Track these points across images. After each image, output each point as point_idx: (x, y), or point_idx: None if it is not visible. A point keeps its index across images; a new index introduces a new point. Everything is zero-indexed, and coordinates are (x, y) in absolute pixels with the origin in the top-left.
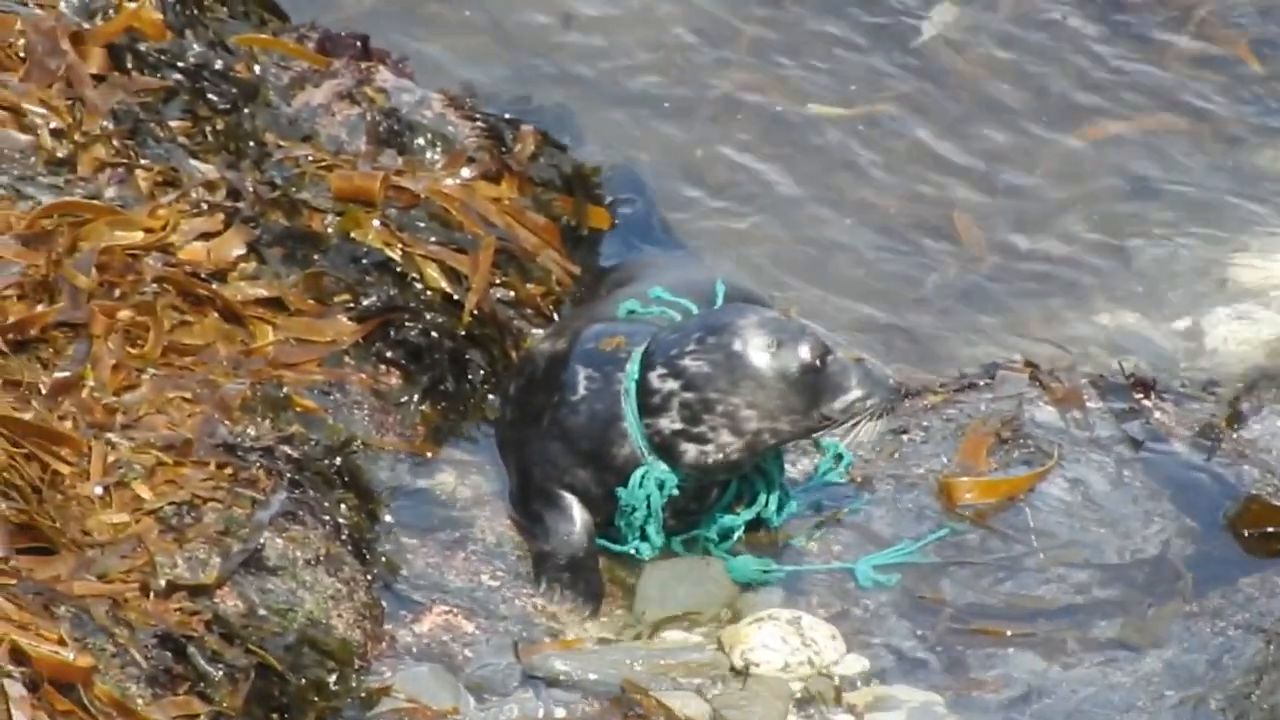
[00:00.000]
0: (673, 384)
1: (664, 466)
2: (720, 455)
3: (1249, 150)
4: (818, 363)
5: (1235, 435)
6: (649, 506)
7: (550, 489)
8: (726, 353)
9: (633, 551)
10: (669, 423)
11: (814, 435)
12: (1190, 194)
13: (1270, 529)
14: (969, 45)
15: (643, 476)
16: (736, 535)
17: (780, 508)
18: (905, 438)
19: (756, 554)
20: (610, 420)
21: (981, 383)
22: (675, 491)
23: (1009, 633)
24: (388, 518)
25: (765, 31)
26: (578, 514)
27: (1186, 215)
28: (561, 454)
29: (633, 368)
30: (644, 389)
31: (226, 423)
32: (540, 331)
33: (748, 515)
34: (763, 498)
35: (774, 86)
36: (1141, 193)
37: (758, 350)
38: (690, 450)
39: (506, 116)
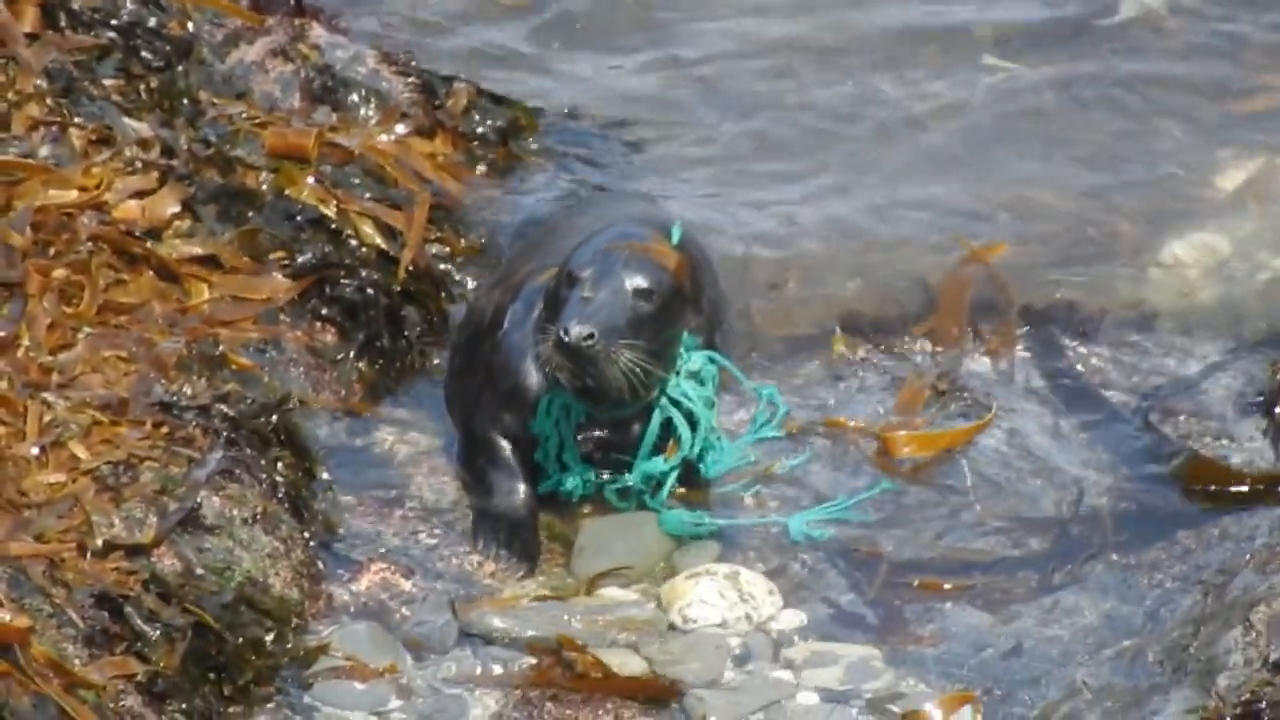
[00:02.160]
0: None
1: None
2: (568, 378)
3: (1181, 89)
4: (564, 278)
5: (1170, 382)
6: (560, 435)
7: (492, 442)
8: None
9: (558, 486)
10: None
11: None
12: (1136, 123)
13: (1211, 486)
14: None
15: (549, 404)
16: (669, 485)
17: (711, 457)
18: (841, 385)
19: (691, 507)
20: (523, 352)
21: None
22: (582, 419)
23: (946, 586)
24: (325, 476)
25: None
26: (519, 470)
27: (1123, 153)
28: (490, 399)
29: None
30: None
31: (162, 381)
32: (485, 280)
33: (674, 462)
34: (686, 443)
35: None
36: (1080, 130)
37: (574, 250)
38: (560, 376)
39: (440, 72)
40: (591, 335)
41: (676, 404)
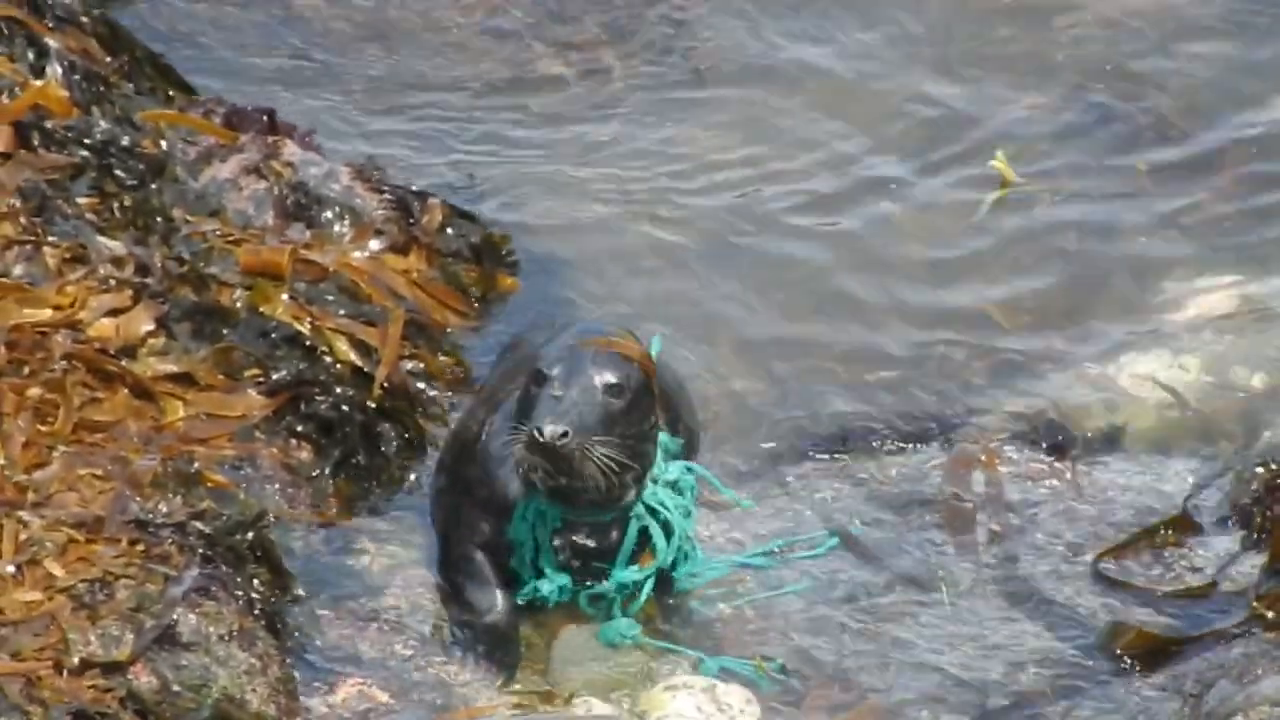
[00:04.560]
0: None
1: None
2: (542, 478)
3: (1164, 198)
4: (533, 378)
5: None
6: (536, 541)
7: (469, 557)
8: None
9: (534, 593)
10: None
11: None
12: (1107, 241)
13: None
14: None
15: (525, 509)
16: (645, 593)
17: (686, 567)
18: (817, 498)
19: (650, 620)
20: (501, 459)
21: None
22: (559, 524)
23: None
24: (301, 591)
25: None
26: (496, 585)
27: (1097, 270)
28: (468, 510)
29: None
30: None
31: (138, 499)
32: (470, 401)
33: (649, 571)
34: (661, 552)
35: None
36: (1060, 242)
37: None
38: (534, 476)
39: (413, 188)
40: (565, 434)
41: (654, 512)
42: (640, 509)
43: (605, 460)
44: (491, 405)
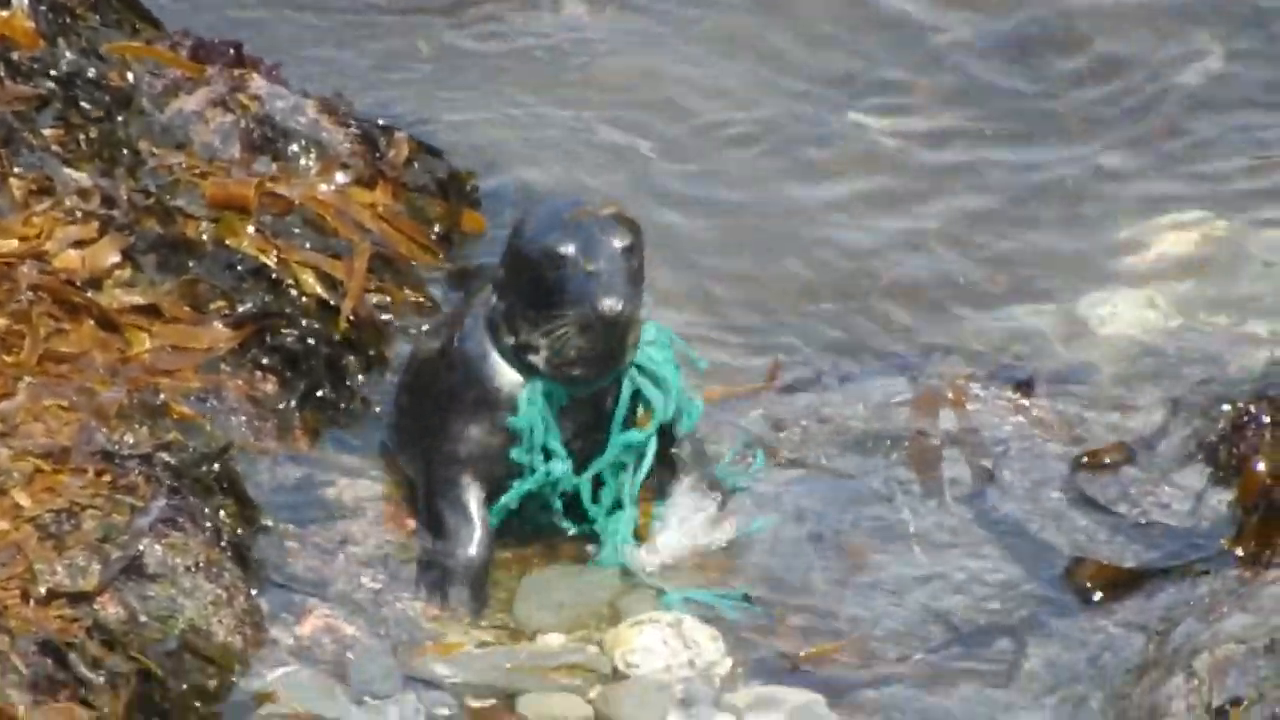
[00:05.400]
0: (495, 296)
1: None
2: (588, 357)
3: (1114, 142)
4: (546, 261)
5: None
6: (545, 422)
7: (454, 480)
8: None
9: (546, 478)
10: (510, 339)
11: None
12: (1064, 186)
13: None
14: None
15: (531, 393)
16: (649, 458)
17: (687, 417)
18: (783, 435)
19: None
20: (484, 355)
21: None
22: (565, 401)
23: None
24: (267, 522)
25: None
26: (478, 518)
27: (1060, 208)
28: (453, 421)
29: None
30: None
31: (104, 430)
32: (430, 325)
33: (651, 429)
34: (660, 407)
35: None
36: (1015, 185)
37: (524, 233)
38: (536, 359)
39: (380, 122)
40: (624, 305)
41: (644, 370)
42: (631, 370)
43: (640, 321)
44: (454, 323)
